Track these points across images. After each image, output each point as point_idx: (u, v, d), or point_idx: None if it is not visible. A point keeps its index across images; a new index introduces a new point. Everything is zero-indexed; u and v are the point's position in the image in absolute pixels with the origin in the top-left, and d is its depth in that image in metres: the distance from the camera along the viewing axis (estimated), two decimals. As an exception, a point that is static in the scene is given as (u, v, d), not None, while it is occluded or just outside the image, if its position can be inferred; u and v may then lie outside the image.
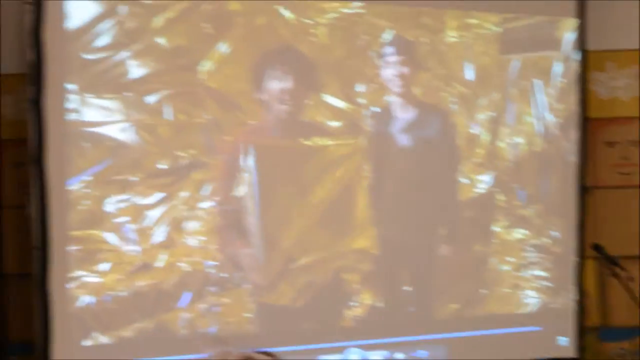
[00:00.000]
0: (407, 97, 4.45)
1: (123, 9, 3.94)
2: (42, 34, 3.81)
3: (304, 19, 4.27)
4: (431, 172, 4.52)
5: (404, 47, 4.44)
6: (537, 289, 4.74)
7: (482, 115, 4.60)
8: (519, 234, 4.70)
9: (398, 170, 4.45)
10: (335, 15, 4.33)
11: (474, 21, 4.57)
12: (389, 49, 4.40)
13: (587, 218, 4.78)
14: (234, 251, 4.16)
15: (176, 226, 4.05)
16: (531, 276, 4.73)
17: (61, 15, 3.85)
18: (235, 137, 4.14)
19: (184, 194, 4.05)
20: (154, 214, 4.01)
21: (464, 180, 4.58)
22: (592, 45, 4.78)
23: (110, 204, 3.93)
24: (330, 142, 4.32)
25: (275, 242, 4.21)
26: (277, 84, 4.21)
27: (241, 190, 4.14)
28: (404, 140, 4.44)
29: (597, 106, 4.91)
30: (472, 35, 4.57)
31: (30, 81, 3.84)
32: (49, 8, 3.81)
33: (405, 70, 4.42)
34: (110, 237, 3.94)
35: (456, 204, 4.57)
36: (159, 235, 4.02)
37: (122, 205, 3.96)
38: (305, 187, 4.28)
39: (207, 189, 4.10)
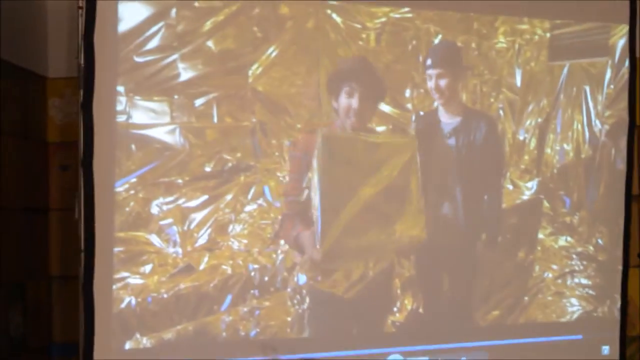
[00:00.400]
0: (454, 102, 4.44)
1: (173, 11, 3.97)
2: (93, 37, 3.83)
3: (353, 23, 4.27)
4: (477, 177, 4.51)
5: (452, 53, 4.43)
6: (580, 297, 4.69)
7: (530, 122, 4.59)
8: (563, 241, 4.67)
9: (442, 175, 4.44)
10: (384, 19, 4.33)
11: (524, 27, 4.53)
12: (437, 55, 4.40)
13: (633, 226, 4.74)
14: (297, 234, 4.19)
15: (220, 229, 4.07)
16: (575, 284, 4.68)
17: (112, 19, 3.87)
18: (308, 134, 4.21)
19: (228, 196, 4.08)
20: (198, 216, 4.02)
21: (509, 187, 4.56)
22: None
23: (156, 206, 3.96)
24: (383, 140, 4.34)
25: (331, 226, 4.20)
26: (346, 100, 4.24)
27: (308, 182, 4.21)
28: (449, 145, 4.43)
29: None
30: (521, 41, 4.55)
31: (81, 85, 3.86)
32: (100, 11, 3.84)
33: (453, 76, 4.42)
34: (155, 239, 3.96)
35: (501, 209, 4.54)
36: (203, 237, 4.04)
37: (167, 207, 3.98)
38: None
39: (252, 192, 4.13)
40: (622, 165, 4.68)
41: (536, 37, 4.54)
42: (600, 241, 4.68)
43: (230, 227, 4.07)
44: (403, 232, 4.29)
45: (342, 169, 4.20)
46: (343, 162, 4.21)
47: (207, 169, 4.02)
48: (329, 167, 4.17)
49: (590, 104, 4.63)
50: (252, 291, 4.10)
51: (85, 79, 3.84)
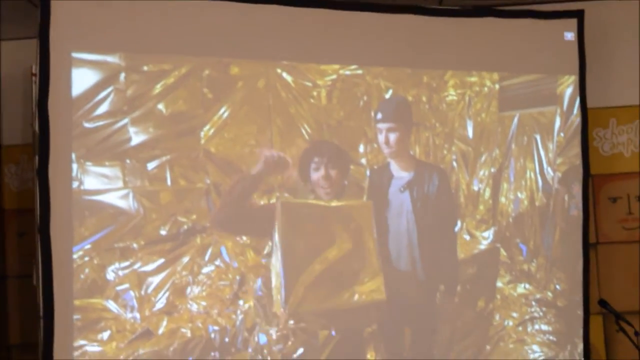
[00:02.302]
0: (405, 156, 4.47)
1: (122, 76, 3.99)
2: (47, 103, 3.84)
3: (304, 82, 4.31)
4: (433, 229, 4.52)
5: (403, 108, 4.48)
6: (542, 344, 4.69)
7: (483, 172, 4.62)
8: (522, 288, 4.68)
9: (398, 229, 4.47)
10: (334, 77, 4.37)
11: (473, 79, 4.59)
12: (387, 109, 4.44)
13: (591, 273, 4.76)
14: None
15: (178, 292, 4.05)
16: (536, 331, 4.69)
17: (65, 85, 3.89)
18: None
19: (185, 259, 4.07)
20: (155, 280, 4.01)
21: (466, 237, 4.59)
22: (595, 103, 4.79)
23: (112, 272, 3.95)
24: (338, 203, 4.37)
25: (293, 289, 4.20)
26: (316, 174, 4.31)
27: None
28: (403, 198, 4.46)
29: (600, 162, 4.92)
30: (471, 93, 4.60)
31: (36, 151, 3.87)
32: (54, 78, 3.86)
33: (403, 130, 4.47)
34: (112, 305, 3.94)
35: (457, 260, 4.57)
36: (160, 301, 4.02)
37: (123, 272, 3.96)
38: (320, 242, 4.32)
39: (209, 253, 4.12)
40: (576, 212, 4.72)
41: (485, 88, 4.60)
42: (558, 287, 4.70)
43: (189, 289, 4.06)
44: (363, 293, 4.31)
45: (300, 235, 4.24)
46: (302, 228, 4.25)
47: (163, 232, 4.03)
48: (288, 233, 4.19)
49: (542, 152, 4.68)
50: (212, 353, 4.09)
51: (40, 145, 3.85)
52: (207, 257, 4.09)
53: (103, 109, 3.95)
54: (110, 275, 3.93)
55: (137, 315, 3.97)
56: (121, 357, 3.94)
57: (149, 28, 4.05)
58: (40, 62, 3.86)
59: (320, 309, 4.23)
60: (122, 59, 3.99)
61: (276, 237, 4.16)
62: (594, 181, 4.87)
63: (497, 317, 4.62)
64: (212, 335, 4.08)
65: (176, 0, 4.09)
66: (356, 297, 4.26)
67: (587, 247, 4.71)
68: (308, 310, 4.19)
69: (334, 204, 4.30)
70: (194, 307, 4.06)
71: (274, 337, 4.16)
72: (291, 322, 4.17)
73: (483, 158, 4.60)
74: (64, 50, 3.91)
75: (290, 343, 4.17)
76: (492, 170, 4.62)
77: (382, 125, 4.41)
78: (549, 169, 4.69)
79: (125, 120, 3.98)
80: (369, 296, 4.30)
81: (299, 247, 4.20)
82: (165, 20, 4.08)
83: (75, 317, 3.87)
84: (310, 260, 4.21)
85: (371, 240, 4.31)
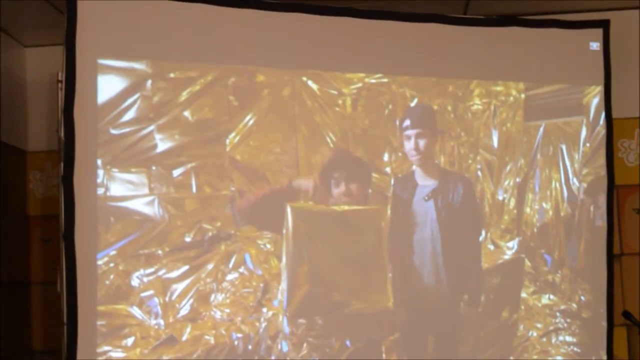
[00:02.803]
0: (431, 164, 4.46)
1: (148, 83, 4.01)
2: (73, 111, 3.86)
3: (329, 90, 4.32)
4: (457, 238, 4.50)
5: (428, 116, 4.48)
6: (566, 355, 4.66)
7: (508, 182, 4.61)
8: (546, 299, 4.66)
9: (422, 237, 4.46)
10: (360, 85, 4.38)
11: (499, 88, 4.58)
12: (415, 116, 4.44)
13: (615, 284, 4.73)
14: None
15: (202, 299, 4.05)
16: (560, 342, 4.66)
17: (91, 92, 3.90)
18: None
19: (209, 266, 4.07)
20: (180, 287, 4.01)
21: (490, 247, 4.57)
22: (620, 113, 4.77)
23: (136, 278, 3.96)
24: (356, 208, 4.36)
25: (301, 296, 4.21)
26: (337, 190, 4.30)
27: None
28: (428, 207, 4.45)
29: (625, 173, 4.90)
30: (497, 103, 4.60)
31: (61, 158, 3.88)
32: (80, 85, 3.87)
33: (430, 137, 4.46)
34: (136, 312, 3.95)
35: (482, 270, 4.54)
36: (185, 308, 4.02)
37: (148, 279, 3.97)
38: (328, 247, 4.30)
39: (233, 261, 4.12)
40: (601, 222, 4.68)
41: (511, 98, 4.59)
42: (583, 298, 4.66)
43: (212, 296, 4.06)
44: (370, 301, 4.29)
45: (309, 240, 4.22)
46: (311, 233, 4.23)
47: (187, 239, 4.03)
48: (297, 237, 4.18)
49: (567, 163, 4.65)
50: (236, 360, 4.13)
51: (65, 152, 3.86)
52: (231, 265, 4.09)
53: (129, 115, 3.96)
54: (134, 282, 3.93)
55: (162, 321, 3.97)
56: (145, 363, 3.99)
57: (176, 35, 4.06)
58: (66, 68, 3.87)
59: (330, 317, 4.22)
60: (148, 66, 4.01)
61: (284, 241, 4.18)
62: (618, 192, 4.85)
63: (521, 327, 4.59)
64: (236, 343, 4.07)
65: (203, 7, 4.09)
66: (363, 305, 4.26)
67: (612, 258, 4.67)
68: (313, 317, 4.19)
69: (345, 208, 4.29)
70: (218, 315, 4.06)
71: (288, 346, 4.18)
72: (300, 330, 4.19)
73: (508, 168, 4.58)
74: (90, 57, 3.91)
75: (304, 352, 4.20)
76: (517, 180, 4.59)
77: (411, 132, 4.40)
78: (575, 179, 4.66)
79: (152, 127, 3.99)
80: (376, 305, 4.31)
81: (306, 252, 4.18)
82: (192, 28, 4.09)
83: (99, 323, 3.87)
84: (317, 266, 4.19)
85: (381, 247, 4.32)
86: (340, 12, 4.35)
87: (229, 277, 4.09)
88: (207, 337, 4.04)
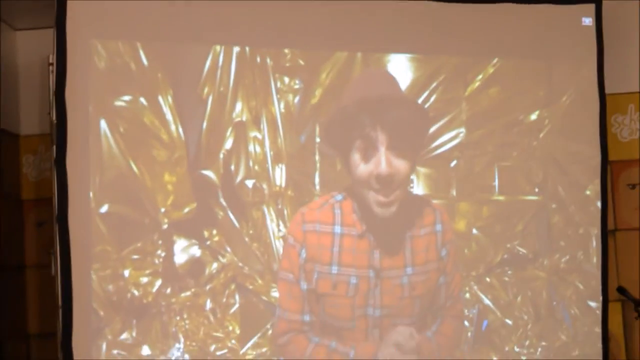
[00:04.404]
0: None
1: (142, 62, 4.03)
2: (64, 93, 3.86)
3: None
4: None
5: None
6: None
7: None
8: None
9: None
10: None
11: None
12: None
13: (610, 260, 4.72)
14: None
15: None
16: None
17: (83, 75, 3.90)
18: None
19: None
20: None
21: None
22: (614, 88, 4.74)
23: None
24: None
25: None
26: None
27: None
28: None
29: (619, 148, 4.90)
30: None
31: (54, 141, 3.88)
32: (70, 68, 3.87)
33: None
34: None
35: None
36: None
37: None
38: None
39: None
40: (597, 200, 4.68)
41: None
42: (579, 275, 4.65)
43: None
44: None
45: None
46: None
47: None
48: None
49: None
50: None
51: (57, 135, 3.86)
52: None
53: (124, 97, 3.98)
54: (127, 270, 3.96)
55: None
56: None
57: (166, 15, 4.04)
58: (57, 51, 3.87)
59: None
60: (140, 47, 4.00)
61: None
62: (612, 167, 4.85)
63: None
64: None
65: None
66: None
67: (606, 234, 4.64)
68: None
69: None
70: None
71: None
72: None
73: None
74: (81, 39, 3.91)
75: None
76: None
77: None
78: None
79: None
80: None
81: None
82: (182, 8, 4.06)
83: (94, 305, 3.90)
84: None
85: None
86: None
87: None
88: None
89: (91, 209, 3.89)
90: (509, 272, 4.44)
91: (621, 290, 4.67)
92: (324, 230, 3.90)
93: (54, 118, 3.89)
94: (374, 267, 3.91)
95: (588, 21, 4.65)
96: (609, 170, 4.71)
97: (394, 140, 3.80)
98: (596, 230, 4.59)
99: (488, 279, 4.40)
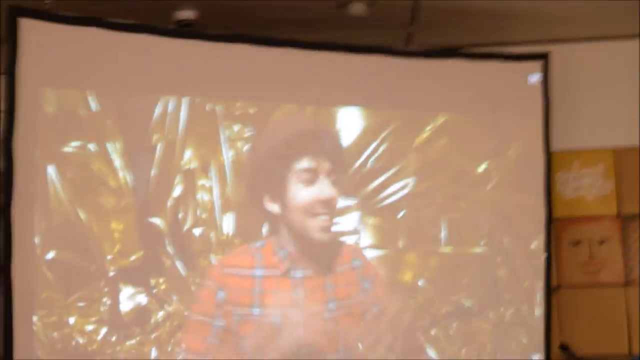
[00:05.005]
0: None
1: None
2: (12, 142, 3.82)
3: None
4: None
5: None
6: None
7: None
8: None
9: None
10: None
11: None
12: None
13: (553, 317, 4.74)
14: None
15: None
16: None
17: (32, 122, 3.87)
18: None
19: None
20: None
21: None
22: (558, 145, 4.81)
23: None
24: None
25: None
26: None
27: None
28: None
29: (563, 205, 4.95)
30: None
31: (0, 189, 3.84)
32: (20, 115, 3.84)
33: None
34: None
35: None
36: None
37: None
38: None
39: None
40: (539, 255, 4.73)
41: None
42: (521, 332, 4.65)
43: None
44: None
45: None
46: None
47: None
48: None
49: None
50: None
51: (4, 184, 3.80)
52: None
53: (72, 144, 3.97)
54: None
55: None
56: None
57: (120, 65, 4.06)
58: (7, 98, 3.83)
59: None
60: (93, 96, 3.99)
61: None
62: (556, 224, 4.87)
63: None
64: None
65: (145, 38, 4.10)
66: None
67: (550, 291, 4.68)
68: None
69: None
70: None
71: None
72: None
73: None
74: (31, 86, 3.88)
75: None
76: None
77: None
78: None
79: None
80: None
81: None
82: (140, 58, 4.10)
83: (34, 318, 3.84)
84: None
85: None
86: (281, 43, 4.35)
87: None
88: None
89: (37, 256, 3.85)
90: (454, 324, 4.47)
91: (564, 347, 4.70)
92: (244, 274, 3.97)
93: (1, 165, 3.87)
94: (297, 305, 3.99)
95: (535, 78, 4.74)
96: (553, 226, 4.77)
97: (331, 167, 4.01)
98: (541, 284, 4.63)
99: (433, 332, 4.43)
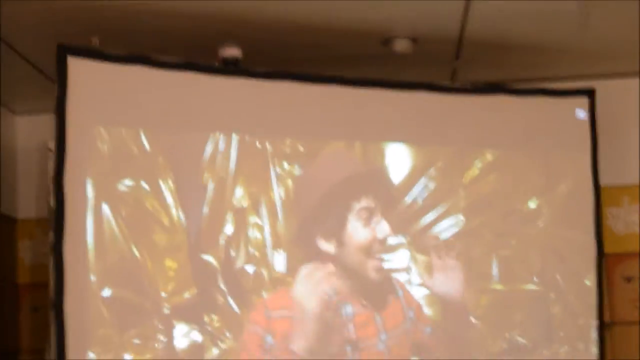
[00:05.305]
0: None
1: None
2: (63, 179, 3.82)
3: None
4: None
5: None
6: None
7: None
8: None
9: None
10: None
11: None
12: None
13: (606, 354, 4.66)
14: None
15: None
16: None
17: (82, 161, 3.87)
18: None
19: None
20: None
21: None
22: (608, 180, 4.78)
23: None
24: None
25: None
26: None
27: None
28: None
29: (613, 241, 4.92)
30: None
31: (51, 227, 3.83)
32: (70, 154, 3.83)
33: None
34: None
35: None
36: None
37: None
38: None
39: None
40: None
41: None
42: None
43: None
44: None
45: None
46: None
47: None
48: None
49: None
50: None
51: (55, 220, 3.81)
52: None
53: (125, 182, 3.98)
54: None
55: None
56: None
57: (171, 104, 4.07)
58: (56, 136, 3.84)
59: None
60: (143, 135, 4.00)
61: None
62: (608, 260, 4.84)
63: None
64: None
65: (198, 76, 4.11)
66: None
67: (602, 327, 4.62)
68: None
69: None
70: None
71: None
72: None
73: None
74: (81, 125, 3.88)
75: None
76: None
77: None
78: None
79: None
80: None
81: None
82: (187, 97, 4.10)
83: (91, 354, 3.81)
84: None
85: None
86: (327, 80, 4.36)
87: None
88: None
89: (92, 293, 3.84)
90: (508, 362, 4.50)
91: (617, 385, 4.67)
92: (292, 315, 3.97)
93: (52, 204, 3.87)
94: (351, 341, 4.00)
95: (582, 114, 4.71)
96: (604, 262, 4.73)
97: (386, 206, 4.09)
98: (595, 322, 4.57)
99: (488, 369, 4.46)
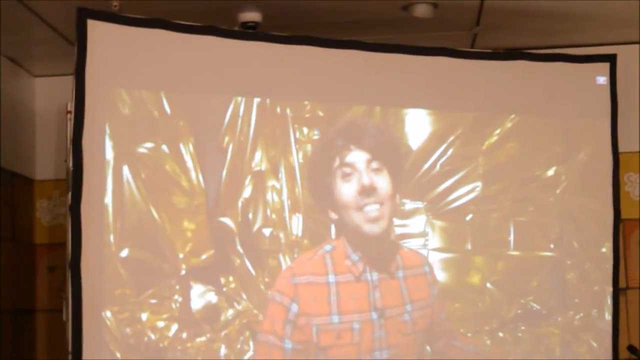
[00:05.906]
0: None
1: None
2: (81, 141, 3.83)
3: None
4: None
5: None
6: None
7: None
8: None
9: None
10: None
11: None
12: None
13: (620, 318, 4.69)
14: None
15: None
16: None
17: (100, 123, 3.89)
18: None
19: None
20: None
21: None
22: (627, 147, 4.79)
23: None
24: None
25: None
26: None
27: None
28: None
29: (631, 206, 4.93)
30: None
31: (69, 188, 3.85)
32: (88, 116, 3.85)
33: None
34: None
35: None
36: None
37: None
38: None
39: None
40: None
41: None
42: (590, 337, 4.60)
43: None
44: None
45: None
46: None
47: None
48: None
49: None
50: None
51: (73, 182, 3.83)
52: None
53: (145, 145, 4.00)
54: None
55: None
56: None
57: (188, 67, 4.07)
58: (75, 98, 3.86)
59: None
60: (166, 97, 4.02)
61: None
62: (624, 226, 4.86)
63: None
64: None
65: (214, 40, 4.10)
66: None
67: (617, 292, 4.64)
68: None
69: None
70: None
71: None
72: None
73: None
74: (101, 87, 3.90)
75: None
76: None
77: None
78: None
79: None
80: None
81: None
82: (204, 60, 4.10)
83: (108, 313, 3.85)
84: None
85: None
86: (347, 45, 4.36)
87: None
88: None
89: (110, 253, 3.87)
90: (523, 327, 4.45)
91: (631, 349, 4.65)
92: (318, 282, 3.93)
93: (70, 165, 3.88)
94: (377, 308, 3.97)
95: (602, 80, 4.68)
96: (621, 228, 4.73)
97: (371, 157, 3.98)
98: (611, 288, 4.59)
99: (501, 334, 4.43)
